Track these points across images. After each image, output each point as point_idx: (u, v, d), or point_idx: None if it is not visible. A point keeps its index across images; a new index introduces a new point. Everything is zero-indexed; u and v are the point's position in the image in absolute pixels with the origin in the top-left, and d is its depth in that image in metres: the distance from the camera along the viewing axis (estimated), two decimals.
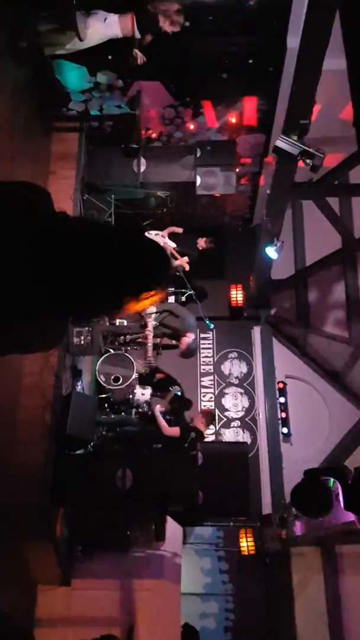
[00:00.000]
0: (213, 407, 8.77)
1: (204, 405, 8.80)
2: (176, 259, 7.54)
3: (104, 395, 7.25)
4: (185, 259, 7.57)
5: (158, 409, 7.03)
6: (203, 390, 8.95)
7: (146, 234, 7.72)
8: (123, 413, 7.35)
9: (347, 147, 7.16)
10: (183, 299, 7.88)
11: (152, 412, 7.14)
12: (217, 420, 8.76)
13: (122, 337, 7.81)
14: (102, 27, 5.42)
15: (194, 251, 7.89)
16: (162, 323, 7.33)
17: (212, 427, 8.27)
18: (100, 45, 5.67)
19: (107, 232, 1.71)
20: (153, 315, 7.16)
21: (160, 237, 7.71)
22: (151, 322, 7.14)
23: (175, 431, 6.79)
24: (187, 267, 7.52)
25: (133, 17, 5.45)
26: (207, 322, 7.74)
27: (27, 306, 1.54)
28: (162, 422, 6.88)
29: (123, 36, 5.55)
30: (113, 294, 1.62)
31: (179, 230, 7.82)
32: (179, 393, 7.54)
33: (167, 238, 7.74)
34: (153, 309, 7.09)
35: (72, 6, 5.03)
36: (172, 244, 7.73)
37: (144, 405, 7.27)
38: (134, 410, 7.36)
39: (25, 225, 1.56)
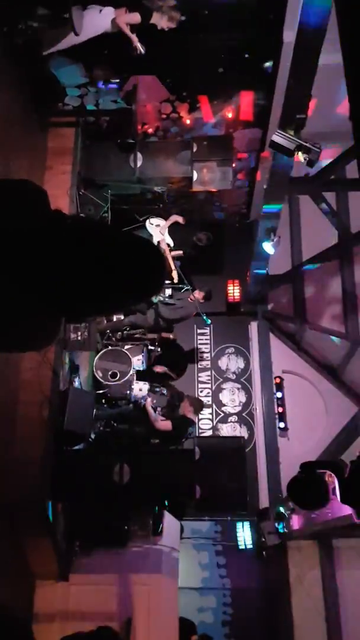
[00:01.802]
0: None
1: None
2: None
3: (101, 391, 7.25)
4: (178, 252, 7.58)
5: (149, 403, 7.02)
6: (200, 385, 8.96)
7: (148, 222, 7.72)
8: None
9: (343, 141, 7.16)
10: (180, 294, 7.90)
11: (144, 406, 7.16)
12: (214, 415, 8.79)
13: (119, 333, 7.82)
14: (98, 20, 5.40)
15: (188, 248, 7.85)
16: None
17: (203, 413, 8.31)
18: (96, 41, 5.65)
19: (103, 233, 1.70)
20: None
21: (159, 231, 7.71)
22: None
23: (167, 425, 6.80)
24: (175, 278, 7.54)
25: (127, 11, 5.43)
26: (205, 317, 7.75)
27: (21, 306, 1.53)
28: (153, 416, 6.89)
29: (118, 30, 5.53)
30: (109, 298, 1.62)
31: (181, 219, 7.79)
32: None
33: (166, 233, 7.72)
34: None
35: (68, 2, 5.00)
36: (170, 241, 7.73)
37: (142, 400, 7.28)
38: (131, 406, 7.37)
39: (21, 224, 1.55)
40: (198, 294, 7.41)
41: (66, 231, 1.58)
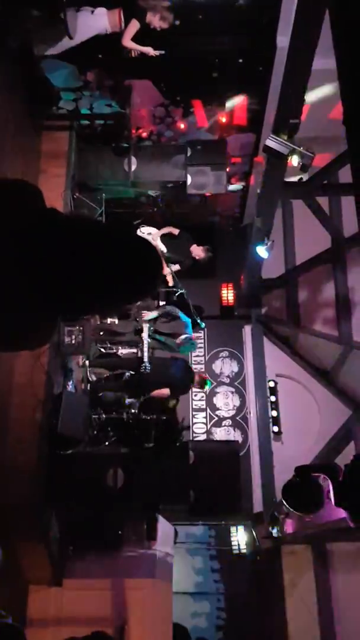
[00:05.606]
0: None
1: (196, 405, 8.82)
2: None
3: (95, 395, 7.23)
4: (175, 267, 7.51)
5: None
6: (194, 389, 8.93)
7: (139, 231, 7.68)
8: (114, 413, 7.32)
9: (336, 146, 7.20)
10: (174, 298, 7.88)
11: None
12: (208, 419, 8.78)
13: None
14: (91, 21, 5.39)
15: (186, 258, 7.74)
16: (157, 330, 7.30)
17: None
18: (90, 44, 5.65)
19: (98, 230, 1.70)
20: (147, 326, 7.13)
21: (151, 238, 7.67)
22: (146, 330, 7.11)
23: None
24: (170, 281, 7.44)
25: (120, 12, 5.43)
26: (199, 321, 7.74)
27: (16, 303, 1.53)
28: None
29: (111, 31, 5.52)
30: (104, 295, 1.62)
31: (175, 231, 7.73)
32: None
33: (158, 240, 7.66)
34: (151, 315, 7.11)
35: (62, 4, 5.00)
36: (163, 248, 7.66)
37: (136, 404, 7.25)
38: (124, 411, 7.34)
39: (16, 222, 1.55)
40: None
41: (60, 226, 1.59)
